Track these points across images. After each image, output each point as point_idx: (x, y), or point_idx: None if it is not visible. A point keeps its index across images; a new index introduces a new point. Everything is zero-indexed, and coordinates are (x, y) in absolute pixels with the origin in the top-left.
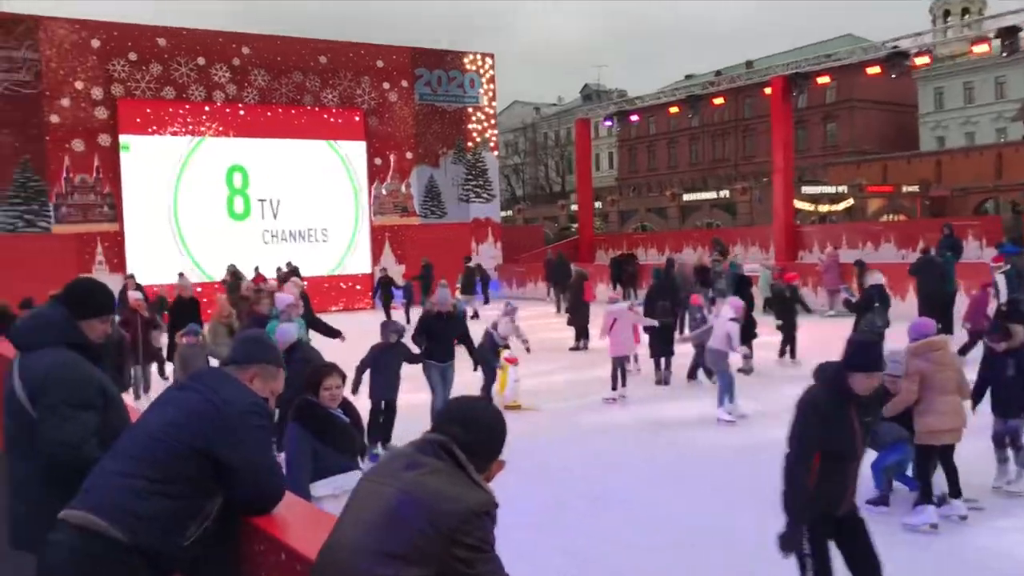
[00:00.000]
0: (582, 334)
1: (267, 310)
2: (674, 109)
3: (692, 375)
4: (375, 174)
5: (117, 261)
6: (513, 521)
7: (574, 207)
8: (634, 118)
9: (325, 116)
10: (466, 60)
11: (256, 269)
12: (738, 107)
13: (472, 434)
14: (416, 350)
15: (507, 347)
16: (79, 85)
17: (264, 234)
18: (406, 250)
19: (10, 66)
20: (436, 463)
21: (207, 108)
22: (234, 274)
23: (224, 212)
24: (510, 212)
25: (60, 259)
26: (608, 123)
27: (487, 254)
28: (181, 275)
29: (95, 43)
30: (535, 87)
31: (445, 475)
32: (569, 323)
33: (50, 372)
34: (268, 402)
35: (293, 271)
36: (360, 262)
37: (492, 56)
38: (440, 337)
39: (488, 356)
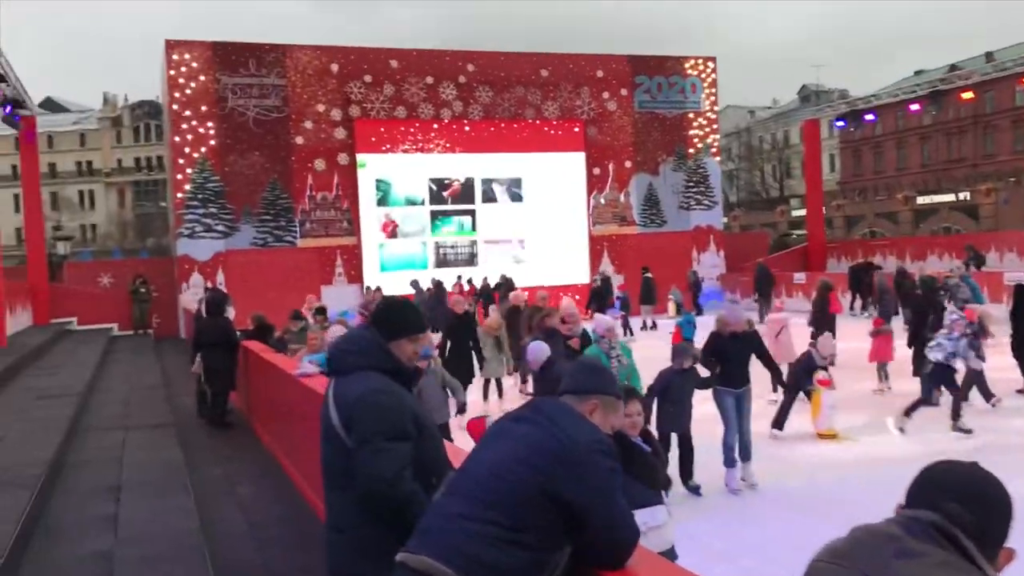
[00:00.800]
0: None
1: (555, 324)
2: (914, 107)
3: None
4: (594, 184)
5: (355, 273)
6: None
7: (795, 213)
8: (869, 117)
9: (546, 129)
10: (687, 65)
11: (459, 278)
12: (976, 102)
13: (977, 513)
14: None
15: (826, 368)
16: (320, 108)
17: (484, 245)
18: (625, 260)
19: (261, 93)
20: (939, 553)
21: (435, 125)
22: (507, 283)
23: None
24: (724, 219)
25: (305, 271)
26: (840, 124)
27: (709, 263)
28: (415, 283)
29: (334, 67)
30: (748, 90)
31: (954, 570)
32: (813, 337)
33: (362, 400)
34: None
35: (507, 283)
36: (578, 272)
37: (714, 60)
38: (735, 359)
39: (801, 378)
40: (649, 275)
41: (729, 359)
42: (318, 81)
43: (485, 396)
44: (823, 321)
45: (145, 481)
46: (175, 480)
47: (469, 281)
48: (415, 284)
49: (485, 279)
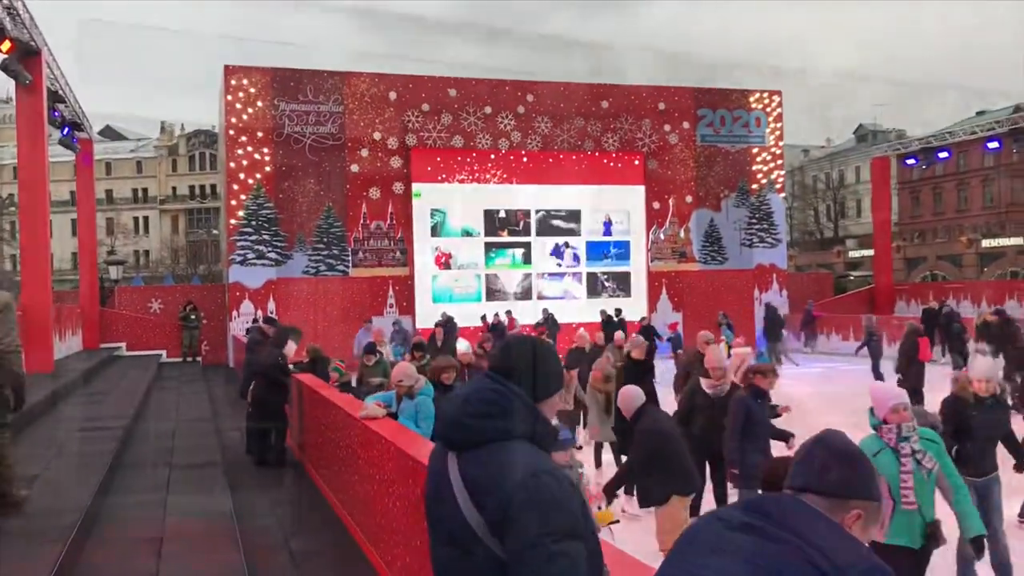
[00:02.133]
0: (917, 399)
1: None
2: (992, 144)
3: None
4: (653, 218)
5: (406, 304)
6: None
7: (851, 254)
8: (944, 155)
9: (605, 161)
10: (751, 99)
11: (497, 315)
12: None
13: None
14: None
15: None
16: (377, 136)
17: (537, 279)
18: (683, 297)
19: (318, 119)
20: None
21: (492, 156)
22: (549, 320)
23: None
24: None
25: (356, 302)
26: (911, 162)
27: (772, 303)
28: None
29: (392, 95)
30: (800, 129)
31: None
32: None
33: (523, 488)
34: None
35: (550, 320)
36: (635, 309)
37: (779, 94)
38: (977, 433)
39: None
40: (773, 307)
41: (973, 435)
42: (375, 109)
43: (598, 463)
44: (912, 369)
45: (190, 532)
46: (223, 532)
47: (508, 313)
48: (494, 319)
49: (504, 316)
